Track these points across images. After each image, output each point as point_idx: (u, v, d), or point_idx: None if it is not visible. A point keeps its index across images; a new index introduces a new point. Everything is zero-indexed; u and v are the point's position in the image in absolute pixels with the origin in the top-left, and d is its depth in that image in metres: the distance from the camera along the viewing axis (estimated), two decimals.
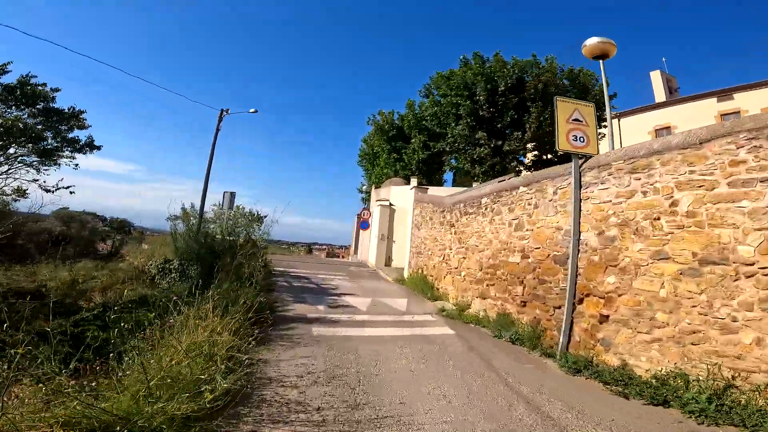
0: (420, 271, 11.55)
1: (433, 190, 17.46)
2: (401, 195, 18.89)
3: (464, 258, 8.77)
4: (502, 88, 17.88)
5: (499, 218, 7.61)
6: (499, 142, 17.93)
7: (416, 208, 12.75)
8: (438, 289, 10.08)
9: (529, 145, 18.48)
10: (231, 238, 10.88)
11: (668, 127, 27.66)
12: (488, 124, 18.30)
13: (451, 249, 9.55)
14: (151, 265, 9.48)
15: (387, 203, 18.58)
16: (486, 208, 8.09)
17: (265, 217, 22.88)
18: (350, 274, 13.49)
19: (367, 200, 29.01)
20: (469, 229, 8.68)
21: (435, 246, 10.74)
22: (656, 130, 27.96)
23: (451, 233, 9.65)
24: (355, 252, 26.61)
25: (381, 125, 23.54)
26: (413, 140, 22.00)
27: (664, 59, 47.66)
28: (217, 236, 10.60)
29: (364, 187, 28.55)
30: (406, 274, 13.03)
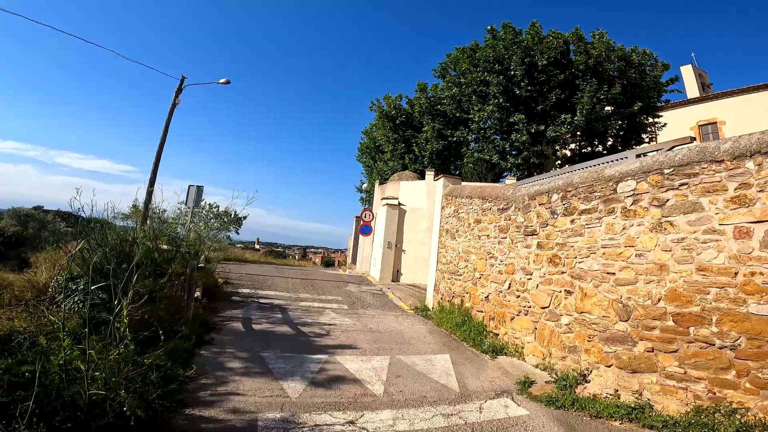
0: (459, 301, 7.60)
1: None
2: (413, 192, 14.95)
3: (568, 292, 4.81)
4: (544, 62, 14.08)
5: (687, 220, 3.67)
6: (541, 127, 14.08)
7: (447, 206, 8.83)
8: (497, 334, 6.12)
9: (568, 135, 14.66)
10: (182, 248, 6.98)
11: (714, 123, 24.25)
12: (526, 106, 14.46)
13: (528, 273, 5.60)
14: (54, 282, 5.81)
15: (395, 202, 14.64)
16: (638, 201, 4.16)
17: (245, 218, 18.87)
18: (348, 299, 9.49)
19: (367, 200, 25.06)
20: (582, 241, 4.71)
21: (487, 264, 6.81)
22: (699, 126, 24.48)
23: (527, 246, 5.70)
24: (354, 261, 22.55)
25: (386, 111, 19.63)
26: (425, 128, 18.10)
27: (693, 54, 44.38)
28: (148, 243, 6.63)
29: (365, 185, 24.62)
30: (430, 302, 9.06)
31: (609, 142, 15.72)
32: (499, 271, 6.35)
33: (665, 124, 16.66)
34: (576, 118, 13.45)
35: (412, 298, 10.20)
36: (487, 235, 6.90)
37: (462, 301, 7.45)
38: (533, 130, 13.83)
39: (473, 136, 16.39)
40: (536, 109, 14.21)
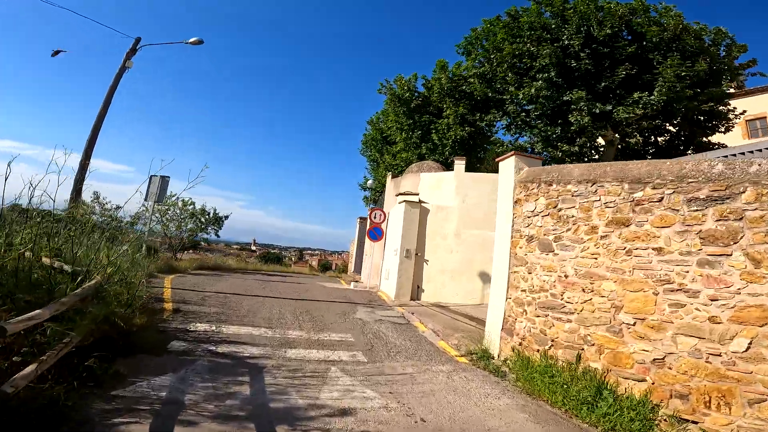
0: (571, 356, 4.37)
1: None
2: (438, 186, 11.80)
3: None
4: (607, 32, 11.06)
5: None
6: (608, 107, 10.99)
7: (528, 198, 5.54)
8: None
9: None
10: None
11: None
12: (585, 82, 11.40)
13: None
14: None
15: (415, 199, 11.49)
16: None
17: (226, 218, 15.67)
18: (363, 337, 6.30)
19: (373, 199, 21.89)
20: None
21: (662, 301, 3.62)
22: None
23: None
24: (357, 270, 19.32)
25: (399, 94, 16.53)
26: (447, 112, 15.02)
27: None
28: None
29: (370, 182, 21.47)
30: (494, 344, 5.78)
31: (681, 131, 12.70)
32: (711, 318, 3.17)
33: (744, 111, 13.65)
34: (654, 96, 10.38)
35: (453, 331, 7.02)
36: (656, 248, 3.71)
37: (580, 356, 4.26)
38: (597, 111, 10.74)
39: (508, 120, 13.29)
40: (598, 87, 11.14)
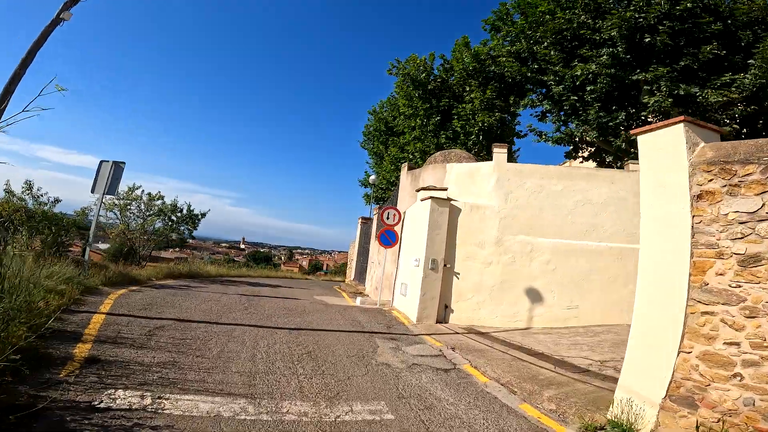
0: None
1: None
2: (473, 181, 9.44)
3: None
4: (687, 5, 8.87)
5: None
6: (693, 89, 8.73)
7: (741, 189, 3.04)
8: None
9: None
10: None
11: None
12: (659, 61, 9.17)
13: None
14: None
15: (442, 195, 9.10)
16: None
17: (203, 215, 13.29)
18: (401, 404, 3.89)
19: (376, 197, 19.48)
20: None
21: None
22: None
23: None
24: (358, 278, 16.82)
25: (413, 75, 14.18)
26: (472, 95, 12.72)
27: None
28: None
29: (372, 177, 19.03)
30: (646, 421, 3.39)
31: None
32: None
33: None
34: (748, 78, 8.17)
35: (533, 384, 4.60)
36: None
37: None
38: (681, 92, 8.48)
39: (550, 104, 11.00)
40: (675, 67, 8.90)
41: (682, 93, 8.38)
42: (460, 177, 9.57)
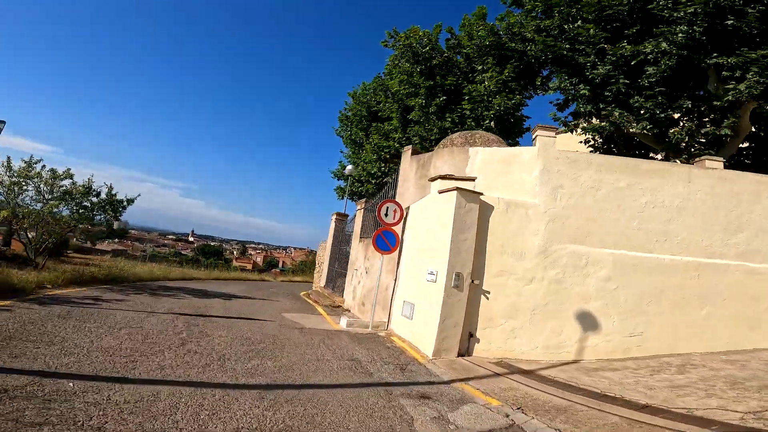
0: None
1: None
2: (507, 170, 7.16)
3: None
4: None
5: None
6: None
7: None
8: None
9: None
10: None
11: None
12: (743, 43, 7.35)
13: None
14: None
15: (469, 186, 6.78)
16: None
17: (131, 202, 10.28)
18: None
19: (353, 191, 16.94)
20: None
21: None
22: None
23: None
24: (331, 285, 14.19)
25: (415, 48, 11.82)
26: (488, 74, 10.58)
27: None
28: None
29: (348, 168, 16.39)
30: None
31: None
32: None
33: None
34: None
35: None
36: None
37: None
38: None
39: (588, 89, 8.98)
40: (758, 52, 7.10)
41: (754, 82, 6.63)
42: (490, 165, 7.29)
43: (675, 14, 7.17)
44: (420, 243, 7.47)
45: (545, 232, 6.57)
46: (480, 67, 10.91)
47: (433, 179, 7.35)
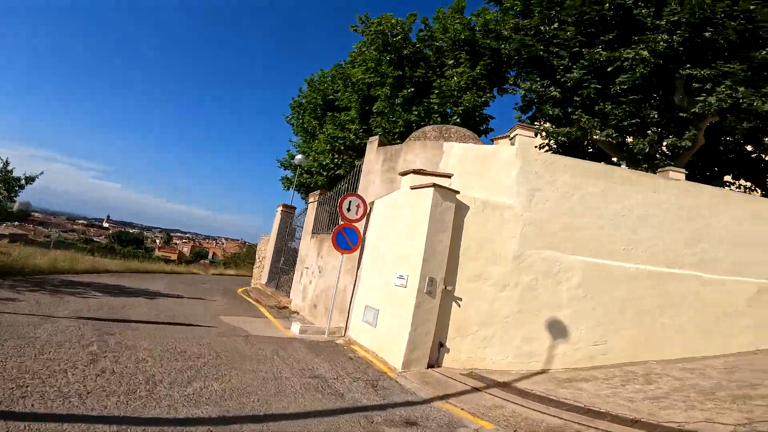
0: None
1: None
2: (485, 168, 6.76)
3: None
4: (751, 6, 7.44)
5: None
6: (750, 95, 7.21)
7: None
8: None
9: None
10: None
11: None
12: (715, 57, 7.55)
13: None
14: None
15: (446, 183, 6.26)
16: None
17: (30, 180, 8.64)
18: None
19: (302, 183, 15.90)
20: None
21: None
22: None
23: None
24: (274, 282, 13.06)
25: (386, 36, 11.17)
26: (460, 69, 10.28)
27: None
28: None
29: (298, 158, 15.26)
30: None
31: None
32: None
33: None
34: None
35: None
36: None
37: None
38: (740, 96, 7.02)
39: (559, 91, 8.93)
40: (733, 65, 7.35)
41: (741, 97, 6.91)
42: (465, 162, 6.84)
43: (657, 22, 7.26)
44: (387, 243, 6.82)
45: (521, 236, 6.25)
46: (451, 62, 10.56)
47: (404, 173, 6.72)
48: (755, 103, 6.92)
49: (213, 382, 4.03)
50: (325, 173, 13.91)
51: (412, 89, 10.81)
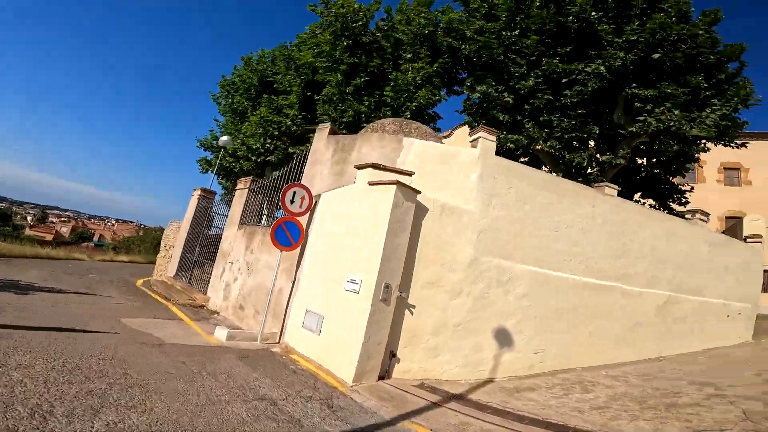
0: None
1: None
2: (446, 169, 6.50)
3: None
4: (700, 31, 8.21)
5: None
6: (684, 119, 7.89)
7: None
8: None
9: None
10: None
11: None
12: (657, 79, 8.08)
13: None
14: None
15: (407, 182, 5.87)
16: None
17: None
18: None
19: (223, 167, 14.40)
20: None
21: None
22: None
23: None
24: (185, 277, 11.53)
25: (346, 19, 10.42)
26: (418, 64, 10.04)
27: None
28: None
29: (223, 139, 13.66)
30: None
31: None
32: None
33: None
34: (711, 116, 8.01)
35: None
36: None
37: None
38: (674, 118, 7.73)
39: (513, 98, 9.10)
40: (675, 90, 7.91)
41: (674, 119, 7.61)
42: (425, 161, 6.51)
43: (617, 39, 7.66)
44: (336, 242, 6.21)
45: (477, 243, 6.13)
46: (409, 56, 10.20)
47: (362, 167, 6.17)
48: (684, 128, 7.68)
49: (130, 413, 3.10)
50: (253, 158, 12.65)
51: (366, 78, 10.23)
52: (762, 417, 4.39)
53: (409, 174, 6.05)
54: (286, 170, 7.94)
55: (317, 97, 10.93)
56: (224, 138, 13.61)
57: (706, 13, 8.12)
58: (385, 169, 5.96)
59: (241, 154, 13.05)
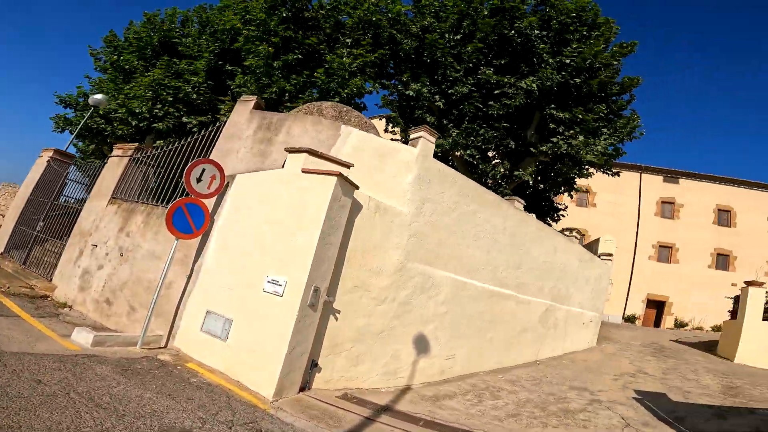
0: None
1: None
2: (382, 166, 6.17)
3: None
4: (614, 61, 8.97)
5: None
6: (587, 144, 8.79)
7: None
8: None
9: None
10: None
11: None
12: (573, 100, 8.87)
13: None
14: None
15: (346, 172, 5.34)
16: None
17: None
18: None
19: (86, 128, 11.72)
20: None
21: None
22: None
23: None
24: (17, 257, 9.01)
25: None
26: (358, 51, 9.51)
27: None
28: None
29: (98, 98, 10.92)
30: None
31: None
32: None
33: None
34: (601, 144, 9.25)
35: None
36: None
37: None
38: (577, 143, 8.65)
39: (442, 102, 9.21)
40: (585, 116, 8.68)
41: (579, 144, 8.45)
42: (363, 154, 6.04)
43: (551, 60, 8.18)
44: (254, 234, 5.34)
45: (406, 248, 5.94)
46: (349, 40, 9.47)
47: (294, 150, 5.42)
48: (581, 152, 8.70)
49: None
50: (134, 122, 10.42)
51: (299, 57, 9.20)
52: (640, 423, 5.10)
53: (348, 166, 5.52)
54: (190, 141, 6.63)
55: (230, 68, 9.48)
56: (98, 96, 10.92)
57: (624, 45, 9.15)
58: (323, 157, 5.34)
59: (118, 116, 10.62)
